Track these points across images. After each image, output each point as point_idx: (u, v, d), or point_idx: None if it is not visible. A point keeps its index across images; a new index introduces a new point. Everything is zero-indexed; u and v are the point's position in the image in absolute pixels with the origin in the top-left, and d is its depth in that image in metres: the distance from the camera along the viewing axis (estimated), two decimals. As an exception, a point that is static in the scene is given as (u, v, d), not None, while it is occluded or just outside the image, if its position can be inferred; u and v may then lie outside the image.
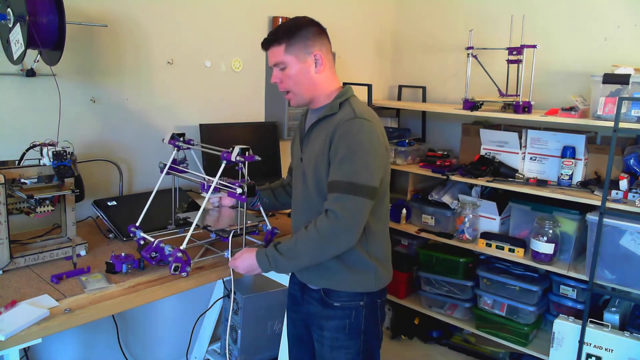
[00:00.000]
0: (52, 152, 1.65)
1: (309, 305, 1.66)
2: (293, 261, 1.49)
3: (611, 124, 2.08)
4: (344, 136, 1.44)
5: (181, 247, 1.55)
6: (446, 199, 2.84)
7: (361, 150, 1.43)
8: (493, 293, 2.67)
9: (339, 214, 1.41)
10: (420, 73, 3.35)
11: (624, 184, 2.17)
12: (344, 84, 1.64)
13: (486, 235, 2.65)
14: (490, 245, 2.62)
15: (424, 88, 3.31)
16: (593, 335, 2.20)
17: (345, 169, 1.43)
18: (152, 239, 1.62)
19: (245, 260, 1.55)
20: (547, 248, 2.40)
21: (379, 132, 1.50)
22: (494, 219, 2.68)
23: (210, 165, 2.21)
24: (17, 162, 1.72)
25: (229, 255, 1.66)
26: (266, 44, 1.55)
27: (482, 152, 2.71)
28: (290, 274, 1.78)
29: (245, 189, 1.57)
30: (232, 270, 1.63)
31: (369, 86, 2.91)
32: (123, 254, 1.60)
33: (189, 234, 1.59)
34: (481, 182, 2.58)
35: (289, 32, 1.50)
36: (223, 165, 1.62)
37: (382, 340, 1.69)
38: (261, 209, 1.75)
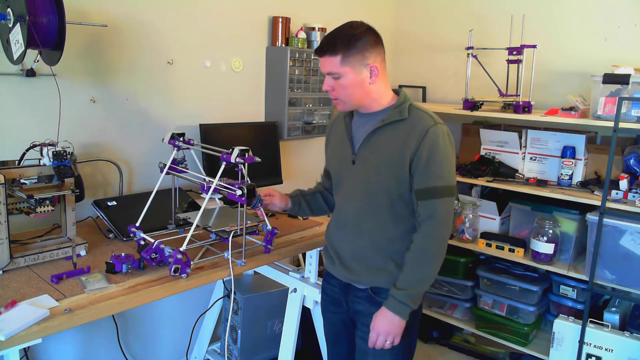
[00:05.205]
0: (52, 152, 1.64)
1: (354, 304, 1.66)
2: (421, 287, 1.52)
3: (611, 124, 2.09)
4: (434, 143, 1.47)
5: (181, 249, 1.55)
6: (446, 199, 2.84)
7: (448, 154, 1.50)
8: (493, 293, 2.67)
9: (442, 218, 1.48)
10: (420, 73, 3.34)
11: (624, 184, 2.17)
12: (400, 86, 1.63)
13: (486, 235, 2.65)
14: (490, 245, 2.62)
15: (424, 88, 3.30)
16: (593, 335, 2.20)
17: (441, 174, 1.48)
18: (152, 240, 1.62)
19: (384, 322, 1.52)
20: (547, 248, 2.40)
21: None
22: (494, 219, 2.68)
23: (210, 165, 2.21)
24: (17, 162, 1.72)
25: (229, 256, 1.66)
26: (321, 52, 1.50)
27: (482, 152, 2.71)
28: (323, 277, 1.79)
29: (245, 190, 1.57)
30: (232, 269, 1.63)
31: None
32: (123, 254, 1.59)
33: (189, 235, 1.59)
34: (481, 182, 2.58)
35: (347, 43, 1.45)
36: (222, 167, 1.62)
37: None
38: (261, 209, 1.75)
